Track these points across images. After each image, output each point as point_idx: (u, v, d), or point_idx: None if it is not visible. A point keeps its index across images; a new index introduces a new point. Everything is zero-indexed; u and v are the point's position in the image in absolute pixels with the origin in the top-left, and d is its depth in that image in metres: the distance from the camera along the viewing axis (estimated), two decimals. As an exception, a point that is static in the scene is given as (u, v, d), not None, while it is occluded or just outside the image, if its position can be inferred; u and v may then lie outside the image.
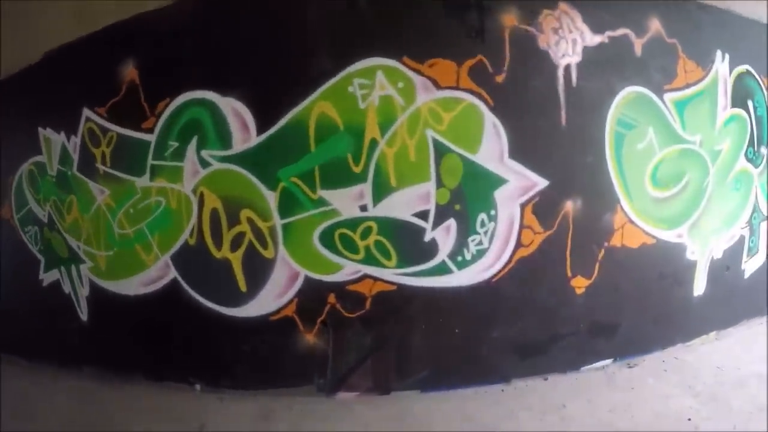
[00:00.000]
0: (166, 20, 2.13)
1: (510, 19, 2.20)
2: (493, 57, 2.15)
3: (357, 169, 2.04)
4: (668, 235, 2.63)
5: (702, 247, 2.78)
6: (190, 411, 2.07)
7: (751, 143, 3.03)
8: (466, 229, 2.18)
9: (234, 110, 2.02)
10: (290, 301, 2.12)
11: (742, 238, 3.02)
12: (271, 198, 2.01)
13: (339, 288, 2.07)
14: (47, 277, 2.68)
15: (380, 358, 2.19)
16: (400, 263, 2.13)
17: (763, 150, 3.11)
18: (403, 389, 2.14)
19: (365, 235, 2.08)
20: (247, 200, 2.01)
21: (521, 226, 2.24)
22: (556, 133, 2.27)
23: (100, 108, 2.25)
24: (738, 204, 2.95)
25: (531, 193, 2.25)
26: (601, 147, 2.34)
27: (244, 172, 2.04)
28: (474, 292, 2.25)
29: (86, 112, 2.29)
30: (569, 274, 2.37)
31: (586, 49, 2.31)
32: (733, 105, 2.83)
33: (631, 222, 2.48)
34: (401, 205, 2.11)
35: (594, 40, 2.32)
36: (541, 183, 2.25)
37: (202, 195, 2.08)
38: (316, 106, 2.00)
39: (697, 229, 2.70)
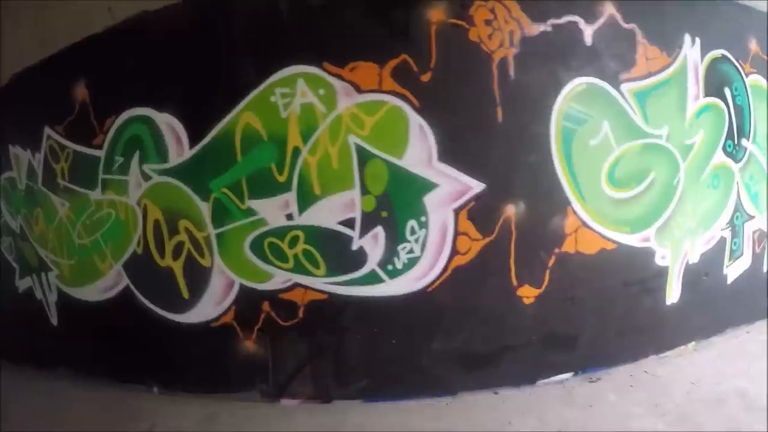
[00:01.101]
0: (110, 41, 1.97)
1: (437, 13, 1.75)
2: (417, 55, 1.73)
3: (281, 179, 1.74)
4: (632, 240, 2.03)
5: (674, 251, 2.13)
6: (144, 411, 1.89)
7: (730, 135, 2.31)
8: (395, 237, 1.78)
9: (169, 125, 1.84)
10: (228, 309, 1.87)
11: (722, 241, 2.33)
12: (205, 209, 1.81)
13: (272, 296, 1.80)
14: (22, 284, 2.62)
15: (318, 367, 1.85)
16: (329, 272, 1.78)
17: (744, 143, 2.37)
18: (344, 398, 1.82)
19: (293, 243, 1.77)
20: (184, 211, 1.84)
21: (456, 233, 1.79)
22: (492, 131, 1.79)
23: (58, 126, 2.17)
24: (717, 203, 2.28)
25: (465, 198, 1.79)
26: (546, 145, 1.83)
27: (179, 184, 1.86)
28: (409, 302, 1.82)
29: (47, 131, 2.22)
30: (515, 283, 1.87)
31: (526, 40, 1.80)
32: (707, 94, 2.18)
33: (586, 226, 1.92)
34: (326, 214, 1.76)
35: (535, 29, 1.80)
36: (477, 186, 1.78)
37: (145, 207, 1.93)
38: (241, 117, 1.75)
39: (667, 232, 2.08)
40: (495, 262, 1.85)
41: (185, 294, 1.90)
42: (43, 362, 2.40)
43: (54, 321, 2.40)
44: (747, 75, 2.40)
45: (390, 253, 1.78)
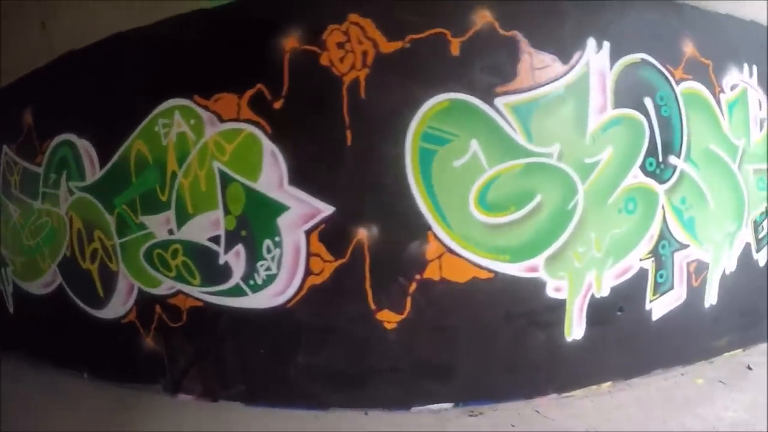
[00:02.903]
0: (47, 75, 1.90)
1: (290, 41, 1.37)
2: (271, 84, 1.37)
3: (164, 198, 1.54)
4: (514, 269, 1.40)
5: (573, 283, 1.44)
6: (73, 394, 1.70)
7: (651, 152, 1.52)
8: (254, 255, 1.44)
9: (86, 149, 1.75)
10: (131, 308, 1.70)
11: (642, 273, 1.54)
12: (112, 221, 1.69)
13: (162, 300, 1.60)
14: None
15: (203, 367, 1.58)
16: (203, 282, 1.52)
17: (673, 160, 1.53)
18: (228, 399, 1.53)
19: (174, 255, 1.55)
20: (97, 223, 1.74)
21: (309, 254, 1.39)
22: (341, 155, 1.35)
23: (12, 145, 2.14)
24: (633, 230, 1.51)
25: (315, 220, 1.38)
26: (401, 167, 1.33)
27: (93, 199, 1.75)
28: (271, 316, 1.46)
29: (5, 149, 2.21)
30: (373, 306, 1.39)
31: (380, 59, 1.33)
32: (619, 105, 1.45)
33: (452, 252, 1.37)
34: (198, 230, 1.50)
35: (391, 47, 1.32)
36: (326, 209, 1.36)
37: (71, 217, 1.85)
38: (134, 144, 1.59)
39: (561, 262, 1.43)
40: (350, 284, 1.39)
41: (101, 293, 1.78)
42: (5, 345, 2.32)
43: (11, 309, 2.37)
44: (678, 82, 1.55)
45: (251, 269, 1.45)
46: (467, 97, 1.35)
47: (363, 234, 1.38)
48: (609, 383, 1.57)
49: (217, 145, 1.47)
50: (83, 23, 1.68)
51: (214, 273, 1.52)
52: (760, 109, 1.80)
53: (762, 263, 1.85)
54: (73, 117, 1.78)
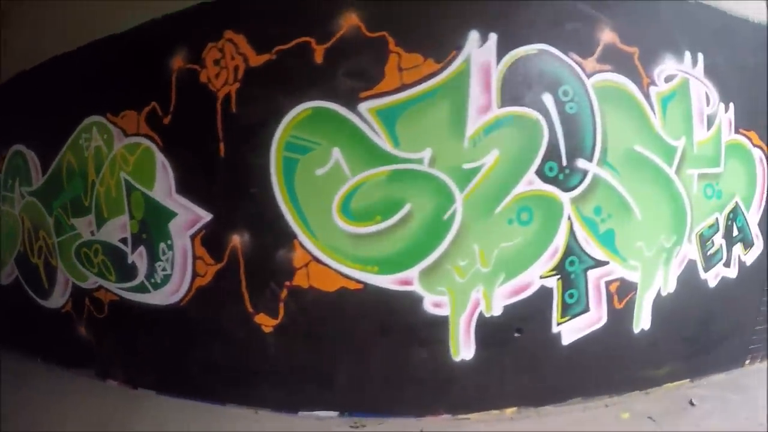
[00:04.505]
0: (7, 93, 2.18)
1: (178, 61, 1.50)
2: (162, 101, 1.52)
3: (87, 203, 1.79)
4: (384, 281, 1.36)
5: (457, 299, 1.36)
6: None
7: (552, 156, 1.35)
8: (153, 256, 1.61)
9: (32, 159, 2.06)
10: (68, 300, 1.97)
11: (545, 291, 1.38)
12: (51, 222, 1.96)
13: (89, 294, 1.83)
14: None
15: (123, 357, 1.79)
16: (118, 279, 1.73)
17: (583, 164, 1.34)
18: (144, 388, 1.68)
19: (96, 254, 1.78)
20: (41, 223, 2.03)
21: (194, 257, 1.51)
22: (216, 166, 1.45)
23: None
24: (528, 243, 1.36)
25: (198, 226, 1.50)
26: (267, 176, 1.37)
27: (38, 203, 2.06)
28: (169, 313, 1.62)
29: None
30: (250, 309, 1.46)
31: (249, 73, 1.39)
32: (510, 103, 1.32)
33: (318, 261, 1.38)
34: (112, 233, 1.72)
35: (259, 60, 1.37)
36: (206, 216, 1.47)
37: (23, 218, 2.17)
38: (65, 156, 1.86)
39: (440, 276, 1.35)
40: (229, 287, 1.49)
41: (46, 285, 2.06)
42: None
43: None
44: (590, 74, 1.36)
45: (151, 268, 1.63)
46: (329, 104, 1.35)
47: (237, 240, 1.47)
48: (514, 409, 1.45)
49: (122, 157, 1.68)
50: (35, 44, 1.96)
51: (125, 271, 1.75)
52: (708, 104, 1.48)
53: (712, 284, 1.55)
54: (22, 130, 2.12)
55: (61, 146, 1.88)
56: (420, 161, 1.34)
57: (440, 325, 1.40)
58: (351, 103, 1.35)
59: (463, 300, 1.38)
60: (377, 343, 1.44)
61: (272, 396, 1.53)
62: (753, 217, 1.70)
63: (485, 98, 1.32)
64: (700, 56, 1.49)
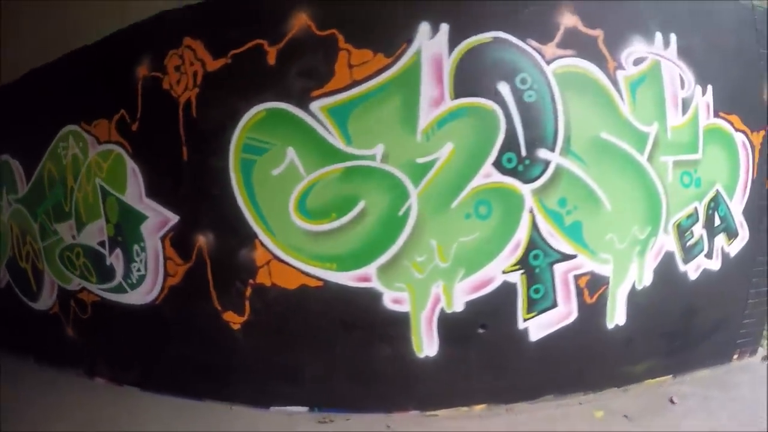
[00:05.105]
0: None
1: (143, 69, 1.56)
2: (130, 109, 1.59)
3: (67, 209, 1.89)
4: (343, 278, 1.38)
5: (417, 295, 1.35)
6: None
7: (510, 146, 1.32)
8: (128, 257, 1.69)
9: (17, 167, 2.17)
10: (55, 301, 2.07)
11: (508, 286, 1.36)
12: (37, 228, 2.06)
13: (74, 295, 1.93)
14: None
15: (107, 355, 1.88)
16: (98, 281, 1.82)
17: (544, 154, 1.30)
18: (130, 384, 1.76)
19: (78, 257, 1.88)
20: (28, 229, 2.14)
21: (165, 258, 1.58)
22: (180, 169, 1.50)
23: None
24: (487, 237, 1.33)
25: (166, 228, 1.56)
26: (227, 178, 1.41)
27: (24, 209, 2.17)
28: (146, 311, 1.70)
29: None
30: (219, 307, 1.52)
31: (207, 77, 1.43)
32: (463, 94, 1.29)
33: (279, 259, 1.41)
34: (91, 236, 1.81)
35: (216, 65, 1.40)
36: (173, 218, 1.53)
37: (11, 225, 2.29)
38: (46, 164, 1.96)
39: (398, 273, 1.34)
40: (198, 286, 1.54)
41: (34, 288, 2.17)
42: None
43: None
44: (550, 60, 1.31)
45: (127, 269, 1.71)
46: (282, 105, 1.37)
47: (202, 240, 1.52)
48: (483, 406, 1.44)
49: (97, 164, 1.77)
50: (19, 56, 2.06)
51: (105, 273, 1.84)
52: (683, 88, 1.40)
53: (693, 276, 1.47)
54: (8, 140, 2.24)
55: (42, 155, 1.99)
56: (372, 157, 1.34)
57: (401, 321, 1.41)
58: (303, 102, 1.36)
59: (422, 296, 1.38)
60: (340, 339, 1.46)
61: (245, 392, 1.58)
62: (736, 206, 1.59)
63: (437, 90, 1.31)
64: (673, 37, 1.41)
